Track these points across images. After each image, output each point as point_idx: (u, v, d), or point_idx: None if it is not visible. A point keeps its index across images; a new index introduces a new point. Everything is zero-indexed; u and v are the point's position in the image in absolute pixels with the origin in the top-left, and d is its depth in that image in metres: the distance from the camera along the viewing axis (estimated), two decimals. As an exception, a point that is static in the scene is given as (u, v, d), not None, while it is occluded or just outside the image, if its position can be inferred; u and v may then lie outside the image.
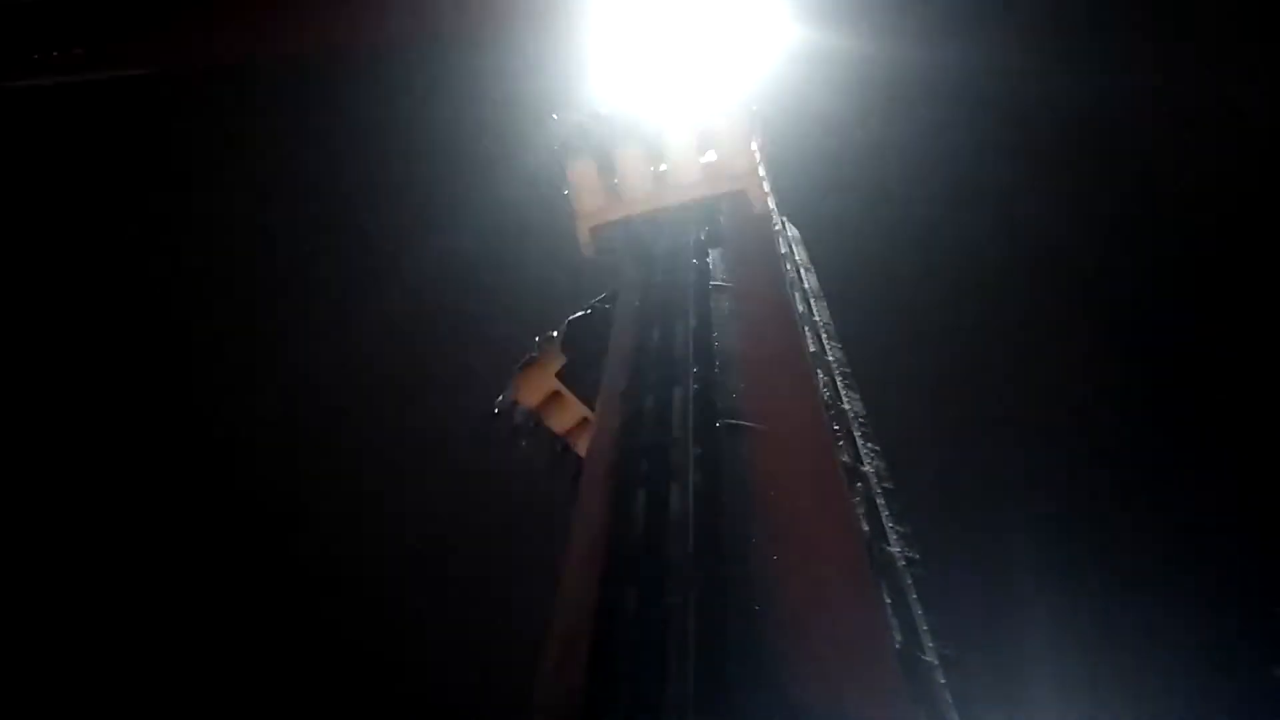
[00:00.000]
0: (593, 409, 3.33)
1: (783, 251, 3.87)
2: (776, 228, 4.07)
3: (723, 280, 3.00)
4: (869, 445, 2.80)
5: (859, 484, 2.56)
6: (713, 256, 3.18)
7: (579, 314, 3.61)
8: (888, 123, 9.41)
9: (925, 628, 2.15)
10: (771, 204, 4.23)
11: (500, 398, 3.71)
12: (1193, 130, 9.16)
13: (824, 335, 3.41)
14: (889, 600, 2.16)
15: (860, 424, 2.89)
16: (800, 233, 4.55)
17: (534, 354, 3.69)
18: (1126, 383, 9.37)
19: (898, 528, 2.45)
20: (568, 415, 3.63)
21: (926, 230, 9.58)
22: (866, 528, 2.38)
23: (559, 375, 3.59)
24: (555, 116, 4.07)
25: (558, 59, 8.94)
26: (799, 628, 1.78)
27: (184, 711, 8.75)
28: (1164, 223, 9.38)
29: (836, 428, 2.77)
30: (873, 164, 9.47)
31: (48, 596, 9.40)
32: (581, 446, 3.48)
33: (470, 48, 9.22)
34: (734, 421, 2.28)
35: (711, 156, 3.89)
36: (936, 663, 2.07)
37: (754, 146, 4.05)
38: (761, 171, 4.03)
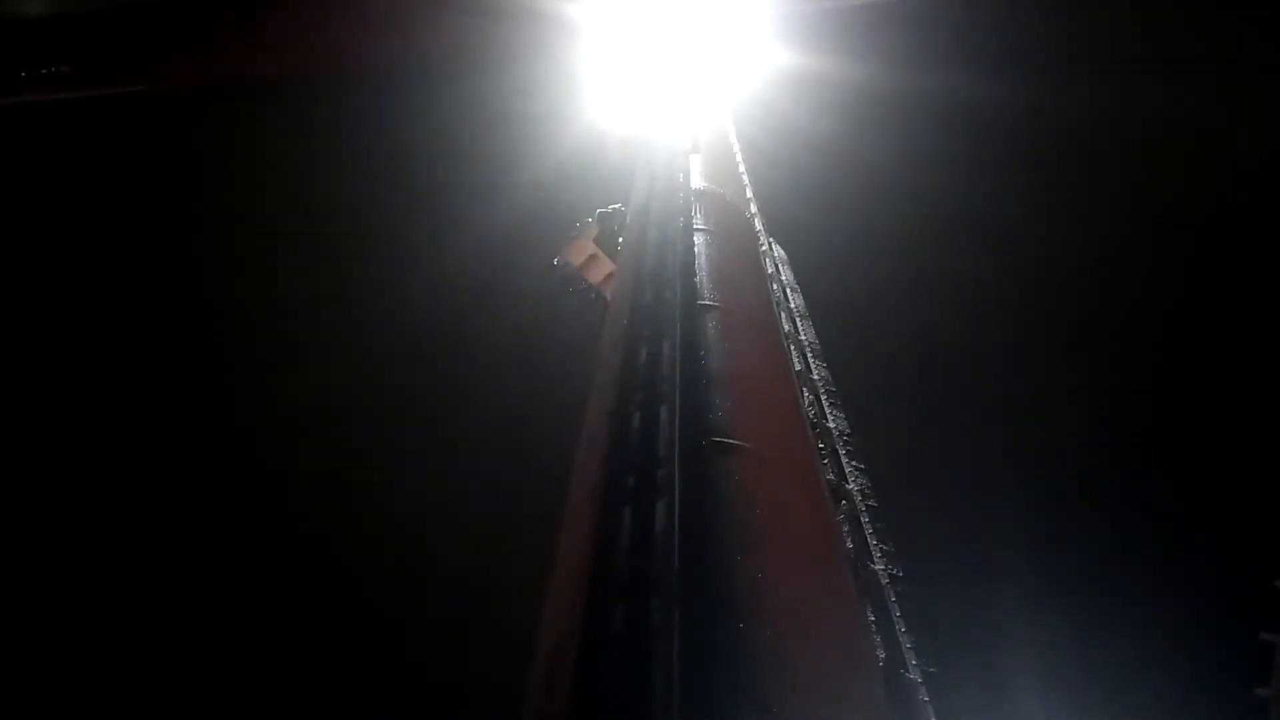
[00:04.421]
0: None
1: (769, 271, 3.91)
2: (764, 248, 4.11)
3: (710, 300, 3.02)
4: (853, 463, 2.82)
5: (843, 502, 2.58)
6: (700, 276, 3.21)
7: (605, 209, 5.56)
8: (875, 143, 9.52)
9: (909, 645, 2.16)
10: (759, 225, 4.28)
11: (556, 259, 5.70)
12: (1176, 144, 9.31)
13: (810, 354, 3.44)
14: (873, 618, 2.18)
15: (845, 442, 2.91)
16: (787, 253, 4.60)
17: (576, 232, 5.65)
18: (1111, 397, 9.45)
19: (882, 545, 2.47)
20: (600, 270, 5.48)
21: (912, 249, 9.67)
22: (851, 545, 2.40)
23: (595, 241, 5.54)
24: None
25: (555, 76, 9.16)
26: (784, 645, 1.79)
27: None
28: (1143, 234, 9.49)
29: (821, 446, 2.79)
30: (860, 184, 9.57)
31: (59, 594, 9.39)
32: (608, 291, 5.26)
33: (470, 70, 9.38)
34: (720, 440, 2.29)
35: (697, 104, 6.03)
36: (920, 680, 2.09)
37: (726, 110, 6.37)
38: (731, 126, 5.94)
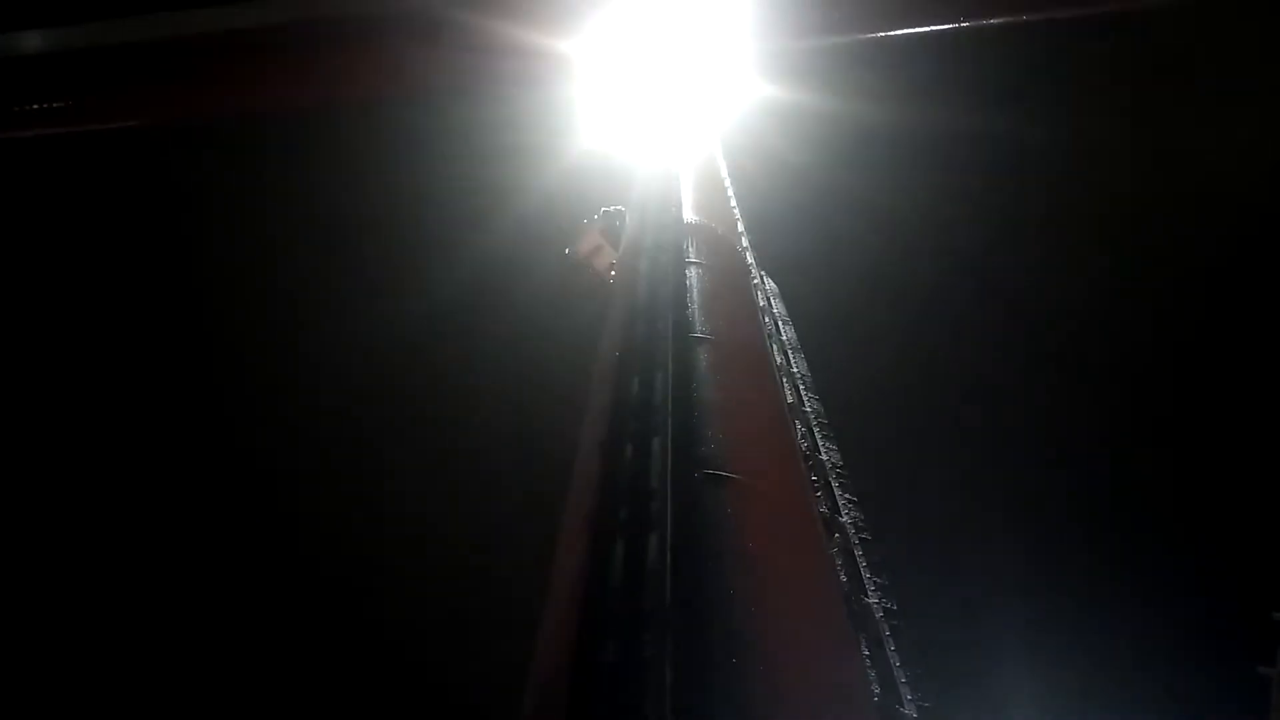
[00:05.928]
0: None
1: (761, 304, 3.94)
2: (755, 282, 4.14)
3: (702, 332, 3.03)
4: (846, 496, 2.82)
5: (837, 535, 2.57)
6: (692, 309, 3.22)
7: (609, 208, 6.33)
8: (865, 175, 9.62)
9: (903, 680, 2.15)
10: (750, 259, 4.32)
11: (567, 249, 6.48)
12: (1154, 173, 9.43)
13: (801, 387, 3.46)
14: (867, 652, 2.17)
15: (838, 475, 2.92)
16: (778, 286, 4.63)
17: (583, 227, 6.39)
18: (1103, 441, 9.48)
19: (875, 579, 2.47)
20: (605, 259, 6.21)
21: (902, 285, 9.75)
22: (844, 579, 2.39)
23: (601, 234, 6.26)
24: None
25: (543, 110, 9.29)
26: (777, 680, 1.78)
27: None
28: (1135, 260, 9.58)
29: (814, 479, 2.79)
30: (850, 216, 9.67)
31: (58, 597, 9.34)
32: (609, 278, 5.93)
33: (458, 104, 9.48)
34: (713, 472, 2.29)
35: (687, 137, 6.70)
36: (915, 715, 2.07)
37: (716, 142, 6.93)
38: (721, 159, 6.45)
